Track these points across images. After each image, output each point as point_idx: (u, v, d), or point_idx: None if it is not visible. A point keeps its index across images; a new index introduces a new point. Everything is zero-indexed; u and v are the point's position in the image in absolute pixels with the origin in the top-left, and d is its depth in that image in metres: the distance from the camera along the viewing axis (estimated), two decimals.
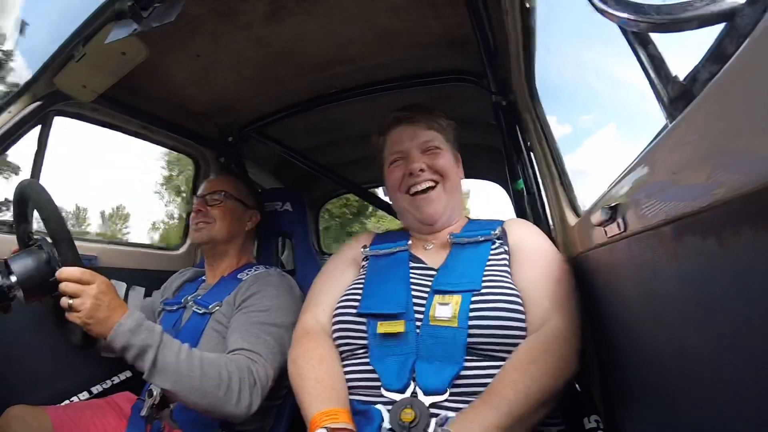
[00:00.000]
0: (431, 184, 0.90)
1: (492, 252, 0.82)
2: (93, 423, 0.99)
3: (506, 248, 0.84)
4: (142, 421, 0.95)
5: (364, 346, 0.77)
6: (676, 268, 0.39)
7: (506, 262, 0.81)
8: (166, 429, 0.94)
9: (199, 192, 1.24)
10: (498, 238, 0.85)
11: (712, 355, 0.35)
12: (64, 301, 0.73)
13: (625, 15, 0.37)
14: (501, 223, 0.92)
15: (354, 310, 0.79)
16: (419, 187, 0.90)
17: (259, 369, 0.85)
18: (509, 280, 0.77)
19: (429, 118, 0.95)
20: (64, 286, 0.73)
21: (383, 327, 0.74)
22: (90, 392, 1.23)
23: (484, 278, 0.76)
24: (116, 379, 1.28)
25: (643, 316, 0.50)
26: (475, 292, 0.74)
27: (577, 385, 0.78)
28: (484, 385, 0.67)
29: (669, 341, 0.43)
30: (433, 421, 0.64)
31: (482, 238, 0.85)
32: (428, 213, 0.90)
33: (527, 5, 0.83)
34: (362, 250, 0.95)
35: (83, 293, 0.72)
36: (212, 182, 1.26)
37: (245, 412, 0.81)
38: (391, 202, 1.01)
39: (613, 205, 0.51)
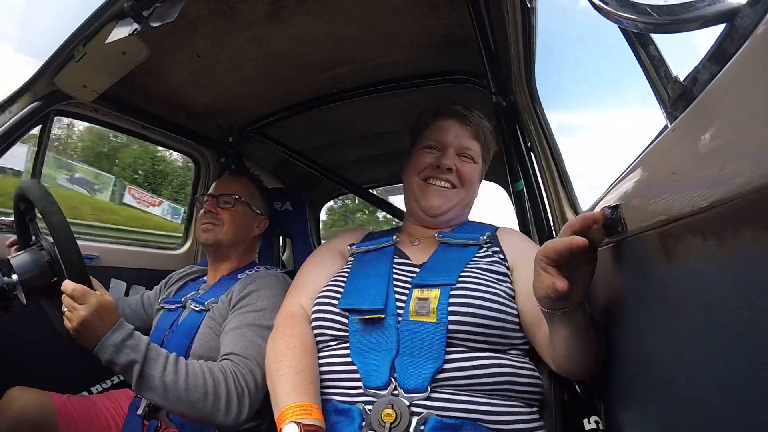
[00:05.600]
0: (449, 185, 0.92)
1: (477, 255, 0.83)
2: (95, 414, 1.00)
3: (496, 249, 0.85)
4: (138, 419, 0.96)
5: (339, 338, 0.77)
6: (676, 268, 0.39)
7: (493, 262, 0.82)
8: (162, 428, 0.94)
9: (212, 190, 1.22)
10: (486, 243, 0.86)
11: (713, 355, 0.35)
12: (65, 305, 0.77)
13: (625, 15, 0.37)
14: (494, 229, 0.93)
15: (335, 302, 0.79)
16: (436, 182, 0.92)
17: (247, 376, 0.84)
18: (490, 278, 0.77)
19: (480, 128, 0.96)
20: (63, 297, 0.76)
21: (363, 318, 0.74)
22: (89, 392, 1.24)
23: (462, 274, 0.77)
24: (116, 379, 1.28)
25: (643, 316, 0.50)
26: (452, 287, 0.74)
27: (577, 386, 0.78)
28: (465, 378, 0.68)
29: (669, 342, 0.43)
30: (415, 420, 0.64)
31: (469, 242, 0.86)
32: (432, 203, 0.91)
33: (528, 5, 0.83)
34: (349, 247, 0.95)
35: (74, 310, 0.75)
36: (226, 183, 1.23)
37: (235, 421, 0.81)
38: (402, 182, 1.01)
39: (613, 205, 0.51)
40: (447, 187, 0.92)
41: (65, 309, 0.77)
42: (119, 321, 0.78)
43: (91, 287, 0.77)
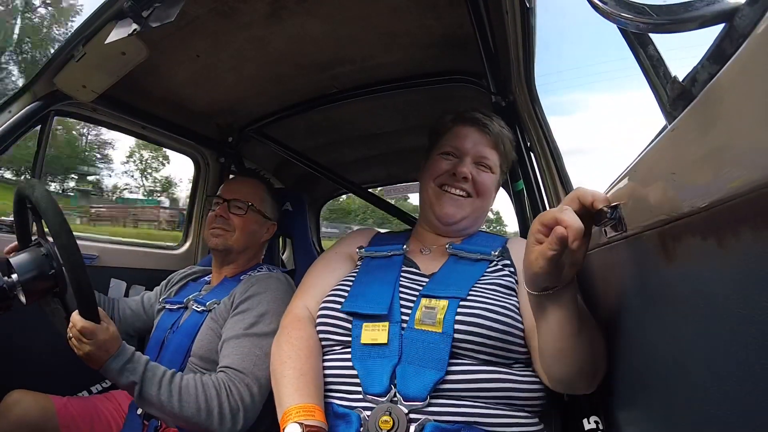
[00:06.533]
0: (464, 194, 0.91)
1: (487, 271, 0.82)
2: (96, 415, 1.01)
3: (507, 263, 0.84)
4: (138, 419, 0.96)
5: (342, 343, 0.77)
6: (676, 268, 0.39)
7: (502, 276, 0.81)
8: (162, 427, 0.94)
9: (223, 193, 1.19)
10: (497, 257, 0.85)
11: (712, 355, 0.35)
12: (72, 336, 0.81)
13: (624, 15, 0.37)
14: (504, 241, 0.92)
15: (339, 306, 0.79)
16: (452, 190, 0.90)
17: (243, 391, 0.86)
18: (499, 292, 0.76)
19: (500, 138, 0.94)
20: (71, 329, 0.80)
21: (367, 333, 0.74)
22: (90, 391, 1.24)
23: (472, 289, 0.76)
24: None
25: (642, 316, 0.50)
26: (461, 300, 0.73)
27: None
28: (465, 390, 0.67)
29: (669, 341, 0.43)
30: (413, 427, 0.64)
31: (480, 257, 0.85)
32: (446, 212, 0.90)
33: (527, 5, 0.83)
34: (357, 250, 0.95)
35: (81, 343, 0.79)
36: (238, 187, 1.21)
37: (231, 431, 0.84)
38: (418, 188, 0.99)
39: (613, 205, 0.51)
40: (462, 196, 0.90)
41: (71, 336, 0.80)
42: (121, 347, 0.82)
43: (98, 319, 0.80)
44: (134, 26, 0.87)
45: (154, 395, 0.81)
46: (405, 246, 0.92)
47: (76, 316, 0.79)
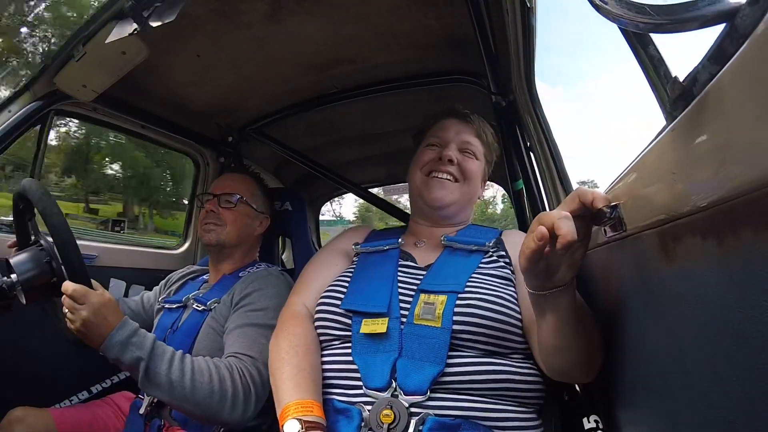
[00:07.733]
0: (451, 178, 0.92)
1: (482, 262, 0.83)
2: (95, 422, 1.00)
3: (502, 254, 0.85)
4: (140, 419, 0.95)
5: (341, 338, 0.77)
6: (675, 268, 0.39)
7: (498, 267, 0.81)
8: (165, 426, 0.94)
9: (213, 188, 1.20)
10: (492, 248, 0.86)
11: (712, 355, 0.35)
12: (66, 306, 0.77)
13: (625, 15, 0.37)
14: (498, 233, 0.92)
15: (339, 302, 0.79)
16: (439, 174, 0.92)
17: (254, 373, 0.85)
18: (496, 283, 0.77)
19: (482, 128, 0.97)
20: (63, 299, 0.77)
21: (367, 326, 0.74)
22: (90, 391, 1.24)
23: (469, 281, 0.76)
24: (115, 379, 1.28)
25: (642, 316, 0.50)
26: (459, 294, 0.74)
27: (576, 385, 0.78)
28: (465, 383, 0.68)
29: (669, 341, 0.43)
30: (413, 421, 0.64)
31: (474, 248, 0.86)
32: (435, 196, 0.91)
33: (528, 5, 0.83)
34: (353, 246, 0.95)
35: (76, 311, 0.75)
36: (227, 182, 1.22)
37: (241, 418, 0.81)
38: (407, 182, 1.01)
39: (612, 204, 0.51)
40: (449, 180, 0.92)
41: (66, 311, 0.77)
42: (123, 319, 0.78)
43: (91, 287, 0.78)
44: (134, 26, 0.87)
45: (164, 374, 0.76)
46: (400, 239, 0.92)
47: (66, 283, 0.76)
